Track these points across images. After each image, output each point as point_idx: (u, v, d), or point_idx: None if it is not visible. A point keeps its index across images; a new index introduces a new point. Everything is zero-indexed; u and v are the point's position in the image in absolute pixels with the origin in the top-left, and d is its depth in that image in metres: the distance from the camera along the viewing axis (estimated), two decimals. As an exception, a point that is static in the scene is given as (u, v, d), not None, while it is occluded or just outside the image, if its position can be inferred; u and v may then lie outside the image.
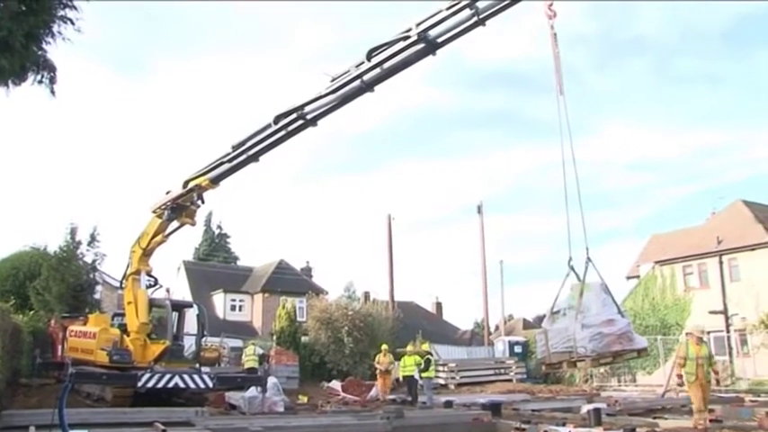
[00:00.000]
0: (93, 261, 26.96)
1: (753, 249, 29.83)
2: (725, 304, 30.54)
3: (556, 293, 11.02)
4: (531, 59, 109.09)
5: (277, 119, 14.18)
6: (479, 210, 40.85)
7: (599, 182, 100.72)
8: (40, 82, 10.33)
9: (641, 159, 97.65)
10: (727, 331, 30.18)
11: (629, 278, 40.63)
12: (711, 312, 30.42)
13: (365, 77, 12.61)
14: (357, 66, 12.62)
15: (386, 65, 12.27)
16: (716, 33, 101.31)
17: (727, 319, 30.34)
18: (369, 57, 12.28)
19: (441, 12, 11.32)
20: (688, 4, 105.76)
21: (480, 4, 11.00)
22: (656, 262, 34.75)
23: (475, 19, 11.15)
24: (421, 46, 11.72)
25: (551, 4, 10.67)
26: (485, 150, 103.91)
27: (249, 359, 23.35)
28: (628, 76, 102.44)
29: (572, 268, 10.50)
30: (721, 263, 31.11)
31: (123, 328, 17.51)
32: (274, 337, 30.16)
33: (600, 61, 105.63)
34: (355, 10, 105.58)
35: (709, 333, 30.83)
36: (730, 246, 30.76)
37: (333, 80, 13.16)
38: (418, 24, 11.47)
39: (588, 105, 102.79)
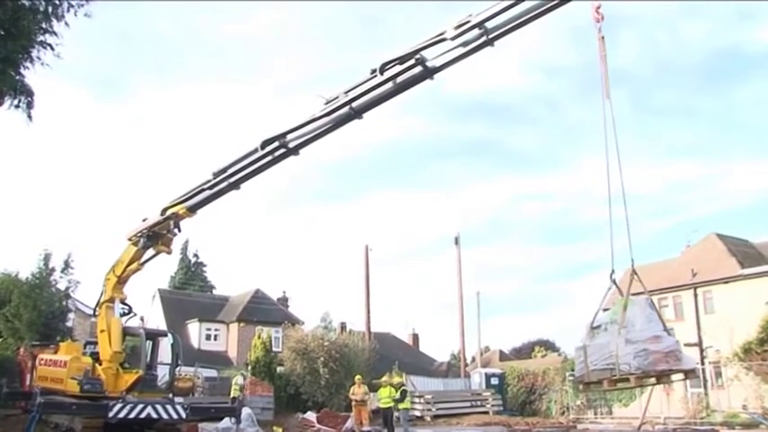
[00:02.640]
0: (67, 288, 26.62)
1: (726, 282, 30.23)
2: (699, 337, 30.81)
3: (596, 307, 10.67)
4: (509, 90, 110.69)
5: (264, 144, 14.02)
6: (456, 241, 40.94)
7: (575, 214, 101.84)
8: (17, 107, 10.28)
9: (617, 192, 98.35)
10: (702, 364, 30.32)
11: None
12: (686, 345, 30.62)
13: (354, 104, 12.44)
14: (366, 81, 12.23)
15: (398, 79, 11.89)
16: (693, 67, 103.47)
17: (701, 351, 30.57)
18: (382, 71, 11.89)
19: (447, 32, 11.02)
20: (666, 36, 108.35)
21: (489, 24, 10.77)
22: (632, 294, 34.89)
23: (484, 39, 10.90)
24: (419, 69, 11.51)
25: (599, 7, 10.37)
26: (463, 181, 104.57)
27: (236, 389, 23.21)
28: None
29: (614, 282, 10.16)
30: (696, 295, 31.48)
31: (95, 357, 17.15)
32: (249, 368, 29.80)
33: (580, 93, 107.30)
34: (335, 39, 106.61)
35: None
36: (705, 278, 31.14)
37: (327, 102, 12.92)
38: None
39: (567, 137, 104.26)
